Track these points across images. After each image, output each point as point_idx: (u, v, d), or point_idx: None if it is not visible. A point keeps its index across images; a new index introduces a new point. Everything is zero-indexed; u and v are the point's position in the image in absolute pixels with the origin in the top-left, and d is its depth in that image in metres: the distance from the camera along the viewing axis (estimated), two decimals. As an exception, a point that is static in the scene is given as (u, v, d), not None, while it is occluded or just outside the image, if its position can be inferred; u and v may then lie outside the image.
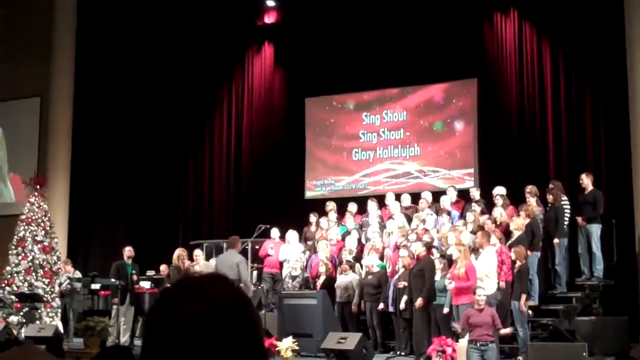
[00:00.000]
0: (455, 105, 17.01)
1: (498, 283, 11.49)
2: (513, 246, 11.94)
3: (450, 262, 11.99)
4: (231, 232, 17.68)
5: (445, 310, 11.72)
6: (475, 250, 12.04)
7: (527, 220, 12.35)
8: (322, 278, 13.56)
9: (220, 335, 1.22)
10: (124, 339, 14.15)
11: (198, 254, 14.21)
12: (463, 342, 10.58)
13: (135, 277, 14.60)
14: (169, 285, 1.35)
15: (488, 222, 12.61)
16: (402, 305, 12.33)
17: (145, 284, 14.68)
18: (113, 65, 19.71)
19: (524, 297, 11.39)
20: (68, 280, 15.60)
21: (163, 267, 15.43)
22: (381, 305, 12.81)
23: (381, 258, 13.54)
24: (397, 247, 13.09)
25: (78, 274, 15.92)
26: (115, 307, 14.36)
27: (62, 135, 18.98)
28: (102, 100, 19.75)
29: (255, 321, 1.28)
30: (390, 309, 12.68)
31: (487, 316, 10.22)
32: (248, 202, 18.71)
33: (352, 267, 13.48)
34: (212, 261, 14.59)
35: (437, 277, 11.99)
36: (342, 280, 13.29)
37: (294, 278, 14.00)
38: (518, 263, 11.59)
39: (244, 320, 1.25)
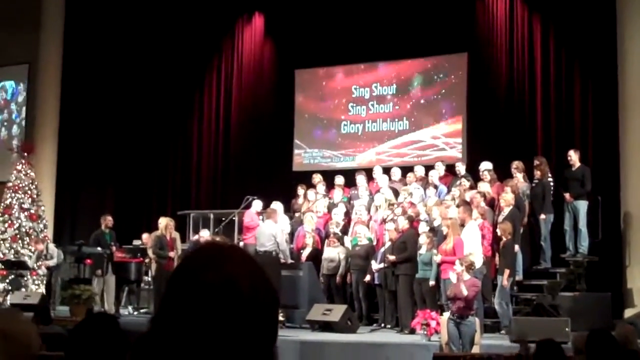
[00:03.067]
0: (445, 79, 16.97)
1: (484, 258, 11.48)
2: (505, 221, 11.95)
3: (438, 235, 12.00)
4: (219, 203, 17.90)
5: (431, 283, 11.71)
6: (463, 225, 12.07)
7: (512, 196, 12.30)
8: (308, 250, 13.54)
9: (243, 305, 1.24)
10: (108, 306, 14.09)
11: (203, 234, 14.24)
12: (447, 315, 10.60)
13: (113, 248, 14.50)
14: (194, 249, 1.36)
15: (477, 196, 12.56)
16: (375, 277, 12.42)
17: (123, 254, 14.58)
18: (102, 34, 19.48)
19: (506, 272, 11.36)
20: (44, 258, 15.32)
21: (145, 237, 15.34)
22: (367, 278, 12.76)
23: None
24: (383, 221, 13.07)
25: (54, 251, 15.41)
26: (96, 277, 14.26)
27: (51, 102, 18.77)
28: (91, 68, 19.53)
29: (276, 297, 1.31)
30: (377, 281, 12.63)
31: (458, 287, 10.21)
32: (236, 174, 18.68)
33: (339, 240, 13.41)
34: (205, 232, 14.50)
35: (423, 250, 11.95)
36: (329, 252, 13.27)
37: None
38: (503, 239, 11.56)
39: (267, 293, 1.29)
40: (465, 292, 10.01)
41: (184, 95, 19.45)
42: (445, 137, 16.78)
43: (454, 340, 9.83)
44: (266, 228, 13.00)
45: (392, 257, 12.17)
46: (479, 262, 11.26)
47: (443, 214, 12.33)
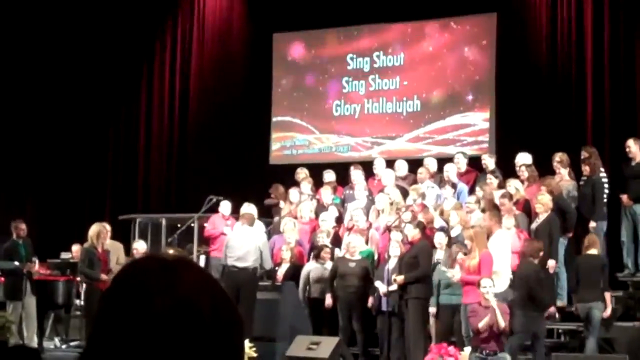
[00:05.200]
0: (468, 48, 17.06)
1: (512, 280, 11.57)
2: (540, 231, 11.95)
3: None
4: (173, 205, 17.89)
5: (431, 310, 11.93)
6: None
7: (549, 197, 12.43)
8: (285, 266, 13.59)
9: (204, 336, 1.28)
10: (28, 338, 13.96)
11: (138, 247, 14.19)
12: (469, 351, 10.72)
13: (34, 262, 14.33)
14: (129, 267, 1.38)
15: (504, 200, 12.54)
16: (383, 303, 12.41)
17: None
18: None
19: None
20: None
21: (76, 248, 15.27)
22: (370, 301, 12.70)
23: (365, 242, 13.55)
24: (387, 229, 12.98)
25: None
26: (11, 301, 14.12)
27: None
28: (14, 38, 19.42)
29: (241, 324, 1.35)
30: (385, 307, 12.59)
31: (493, 315, 10.33)
32: (196, 168, 18.73)
33: (332, 255, 13.51)
34: (140, 244, 14.46)
35: (443, 267, 11.96)
36: (318, 271, 13.26)
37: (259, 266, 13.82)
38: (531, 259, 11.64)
39: (232, 319, 1.33)
40: (503, 323, 9.99)
41: (129, 72, 19.47)
42: (468, 121, 16.88)
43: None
44: (245, 238, 13.02)
45: (399, 278, 12.12)
46: (503, 285, 11.38)
47: (464, 221, 12.39)
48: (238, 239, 13.18)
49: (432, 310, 11.91)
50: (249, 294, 12.28)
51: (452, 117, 17.02)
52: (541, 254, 11.48)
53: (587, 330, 11.44)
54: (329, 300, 12.97)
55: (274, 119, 18.49)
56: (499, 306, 10.58)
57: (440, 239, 12.35)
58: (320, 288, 13.17)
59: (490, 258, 11.41)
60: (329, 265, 13.21)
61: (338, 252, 13.62)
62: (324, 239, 13.63)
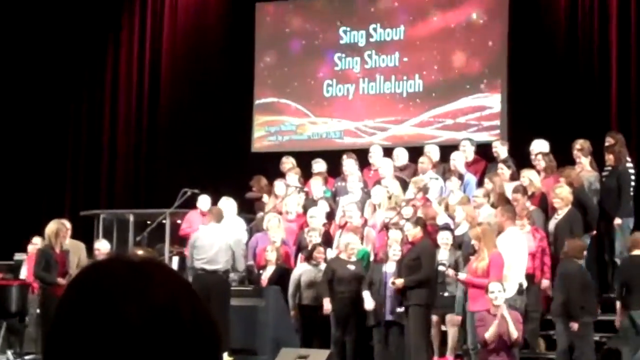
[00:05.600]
0: (477, 20, 17.05)
1: (521, 285, 11.61)
2: (559, 229, 11.87)
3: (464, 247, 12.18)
4: (142, 199, 17.92)
5: (456, 317, 11.89)
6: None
7: (569, 190, 12.47)
8: (271, 269, 13.55)
9: (185, 348, 1.30)
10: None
11: (100, 247, 14.14)
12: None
13: None
14: (91, 269, 1.37)
15: (517, 195, 12.51)
16: (386, 311, 12.37)
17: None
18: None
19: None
20: None
21: (30, 249, 15.19)
22: (370, 304, 12.55)
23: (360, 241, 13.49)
24: (385, 227, 13.00)
25: None
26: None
27: None
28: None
29: (220, 333, 1.39)
30: (388, 316, 12.51)
31: (504, 325, 10.39)
32: (168, 157, 18.73)
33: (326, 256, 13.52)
34: (103, 244, 14.38)
35: (450, 273, 11.93)
36: (309, 273, 13.22)
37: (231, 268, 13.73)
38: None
39: (210, 328, 1.35)
40: (515, 334, 9.98)
41: (90, 42, 19.40)
42: (476, 103, 16.84)
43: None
44: (215, 236, 13.02)
45: (399, 281, 12.04)
46: (511, 289, 11.39)
47: (471, 217, 12.40)
48: (206, 238, 13.13)
49: (455, 318, 11.87)
50: (221, 301, 12.22)
51: (458, 99, 17.01)
52: (585, 253, 11.49)
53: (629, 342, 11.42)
54: (327, 305, 12.84)
55: (256, 101, 18.46)
56: (510, 314, 10.60)
57: (444, 238, 12.35)
58: (313, 294, 13.14)
59: (500, 260, 11.40)
60: (323, 267, 13.15)
61: (329, 253, 13.59)
62: (312, 238, 13.58)
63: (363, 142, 17.13)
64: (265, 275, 13.52)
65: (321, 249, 13.29)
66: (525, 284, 11.64)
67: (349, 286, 12.81)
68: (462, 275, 11.60)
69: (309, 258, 13.33)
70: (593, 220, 12.66)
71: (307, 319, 13.16)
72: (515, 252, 11.62)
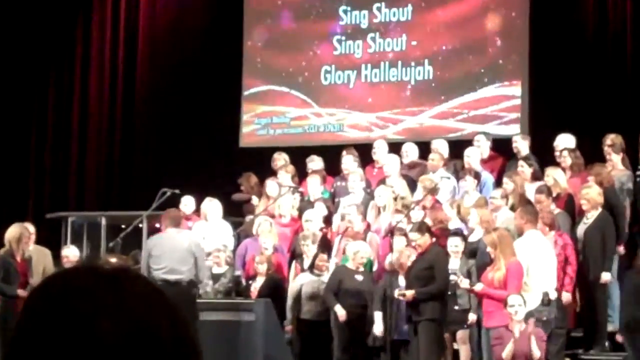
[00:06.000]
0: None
1: (546, 295, 11.50)
2: (589, 234, 11.87)
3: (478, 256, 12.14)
4: (115, 200, 17.89)
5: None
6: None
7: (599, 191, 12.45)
8: (261, 280, 13.56)
9: None
10: None
11: (68, 254, 14.08)
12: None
13: None
14: (57, 279, 1.36)
15: (541, 196, 12.50)
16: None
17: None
18: None
19: None
20: None
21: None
22: (379, 330, 12.49)
23: None
24: (390, 233, 12.98)
25: None
26: None
27: None
28: None
29: (200, 350, 1.39)
30: (398, 334, 12.50)
31: (525, 343, 10.33)
32: (146, 153, 18.82)
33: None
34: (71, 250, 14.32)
35: (464, 284, 11.92)
36: (311, 284, 13.22)
37: (216, 278, 13.85)
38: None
39: (194, 349, 1.36)
40: (538, 353, 10.04)
41: (58, 22, 19.36)
42: (494, 93, 16.83)
43: None
44: (174, 242, 12.99)
45: (409, 293, 11.96)
46: (534, 300, 11.33)
47: (487, 222, 12.40)
48: (164, 245, 13.09)
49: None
50: (188, 315, 12.05)
51: (473, 89, 17.03)
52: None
53: None
54: (341, 310, 12.76)
55: (245, 91, 18.50)
56: (533, 332, 10.61)
57: (454, 245, 12.38)
58: (315, 307, 13.17)
59: (520, 269, 11.43)
60: (327, 278, 13.13)
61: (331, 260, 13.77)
62: (306, 247, 13.55)
63: (365, 136, 17.19)
64: (255, 286, 13.50)
65: (324, 257, 13.30)
66: (552, 294, 11.54)
67: (355, 300, 12.82)
68: (478, 287, 11.60)
69: (311, 267, 13.29)
70: (623, 224, 12.65)
71: (307, 335, 13.18)
72: (537, 257, 11.58)
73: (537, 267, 11.53)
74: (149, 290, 1.36)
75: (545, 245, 11.74)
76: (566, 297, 11.97)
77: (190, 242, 12.96)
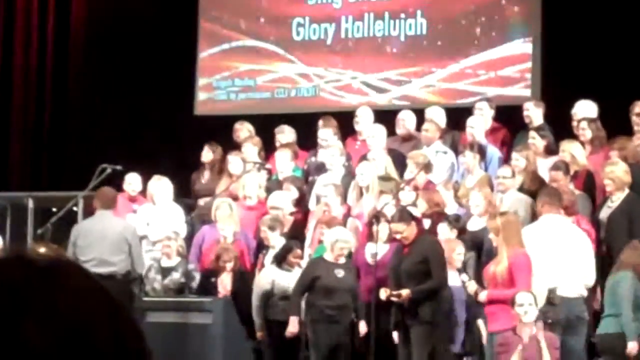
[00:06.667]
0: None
1: (552, 292, 11.60)
2: (615, 220, 11.93)
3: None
4: (45, 179, 18.03)
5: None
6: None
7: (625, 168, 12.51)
8: (228, 276, 13.59)
9: None
10: None
11: None
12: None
13: None
14: None
15: (558, 173, 12.56)
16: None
17: None
18: None
19: None
20: None
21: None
22: (362, 329, 12.70)
23: None
24: (375, 218, 13.02)
25: None
26: None
27: None
28: None
29: (150, 355, 1.39)
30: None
31: (534, 350, 10.43)
32: (80, 125, 18.87)
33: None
34: None
35: (471, 288, 11.96)
36: (284, 281, 13.24)
37: (165, 271, 13.89)
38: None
39: (139, 354, 1.35)
40: None
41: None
42: (500, 53, 16.89)
43: None
44: (104, 228, 13.16)
45: (405, 292, 11.99)
46: (540, 297, 11.37)
47: (491, 206, 12.48)
48: (92, 233, 13.18)
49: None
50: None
51: (474, 45, 17.11)
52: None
53: None
54: (293, 327, 12.90)
55: (200, 50, 18.56)
56: (544, 336, 10.68)
57: (445, 232, 12.52)
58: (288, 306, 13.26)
59: (526, 261, 11.51)
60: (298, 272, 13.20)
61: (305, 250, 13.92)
62: (271, 240, 13.53)
63: (345, 102, 17.27)
64: (224, 283, 13.50)
65: (299, 252, 13.27)
66: (564, 291, 11.57)
67: (337, 300, 12.86)
68: (482, 296, 11.68)
69: (280, 261, 13.26)
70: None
71: (277, 339, 13.14)
72: (547, 247, 11.60)
73: (545, 259, 11.50)
74: (88, 286, 1.35)
75: (561, 233, 11.66)
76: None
77: (123, 227, 13.06)
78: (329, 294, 12.75)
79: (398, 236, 12.30)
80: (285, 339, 13.06)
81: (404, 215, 12.37)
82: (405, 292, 11.92)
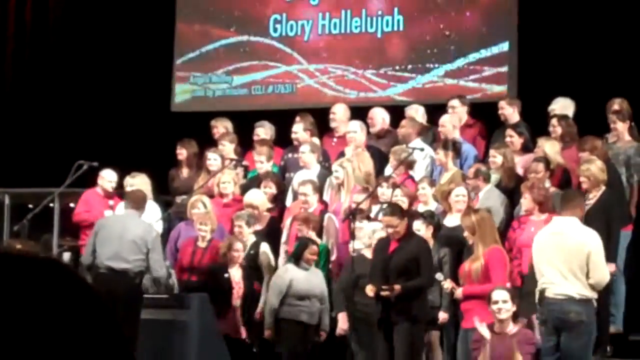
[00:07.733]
0: None
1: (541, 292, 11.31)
2: (592, 216, 11.83)
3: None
4: (19, 174, 17.76)
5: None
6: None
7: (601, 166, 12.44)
8: (238, 272, 13.59)
9: None
10: None
11: None
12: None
13: None
14: None
15: (539, 165, 12.61)
16: None
17: None
18: None
19: None
20: None
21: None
22: (344, 326, 12.71)
23: (319, 235, 13.69)
24: (352, 215, 13.09)
25: None
26: None
27: None
28: None
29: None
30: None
31: (508, 346, 10.47)
32: (56, 119, 18.81)
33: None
34: None
35: (447, 285, 12.00)
36: (300, 279, 13.22)
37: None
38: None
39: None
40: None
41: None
42: (476, 51, 16.89)
43: None
44: (125, 226, 13.05)
45: (397, 287, 11.90)
46: (575, 286, 11.15)
47: (462, 199, 12.73)
48: (114, 226, 13.10)
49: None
50: (130, 312, 12.05)
51: (445, 39, 17.08)
52: None
53: None
54: (343, 321, 12.86)
55: (177, 46, 18.56)
56: (522, 333, 10.77)
57: (417, 230, 12.43)
58: (310, 308, 13.20)
59: (502, 257, 11.64)
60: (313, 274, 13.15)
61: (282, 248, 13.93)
62: (247, 232, 13.53)
63: (322, 100, 17.24)
64: (236, 280, 13.42)
65: (314, 247, 13.16)
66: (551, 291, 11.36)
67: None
68: (458, 292, 11.70)
69: (297, 258, 13.19)
70: (628, 206, 12.86)
71: (293, 337, 13.12)
72: (550, 248, 11.35)
73: (545, 259, 11.26)
74: (70, 285, 1.35)
75: (571, 234, 11.21)
76: None
77: (145, 231, 12.90)
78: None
79: (390, 230, 12.18)
80: (297, 338, 13.09)
81: (395, 209, 12.34)
82: (397, 287, 11.87)
